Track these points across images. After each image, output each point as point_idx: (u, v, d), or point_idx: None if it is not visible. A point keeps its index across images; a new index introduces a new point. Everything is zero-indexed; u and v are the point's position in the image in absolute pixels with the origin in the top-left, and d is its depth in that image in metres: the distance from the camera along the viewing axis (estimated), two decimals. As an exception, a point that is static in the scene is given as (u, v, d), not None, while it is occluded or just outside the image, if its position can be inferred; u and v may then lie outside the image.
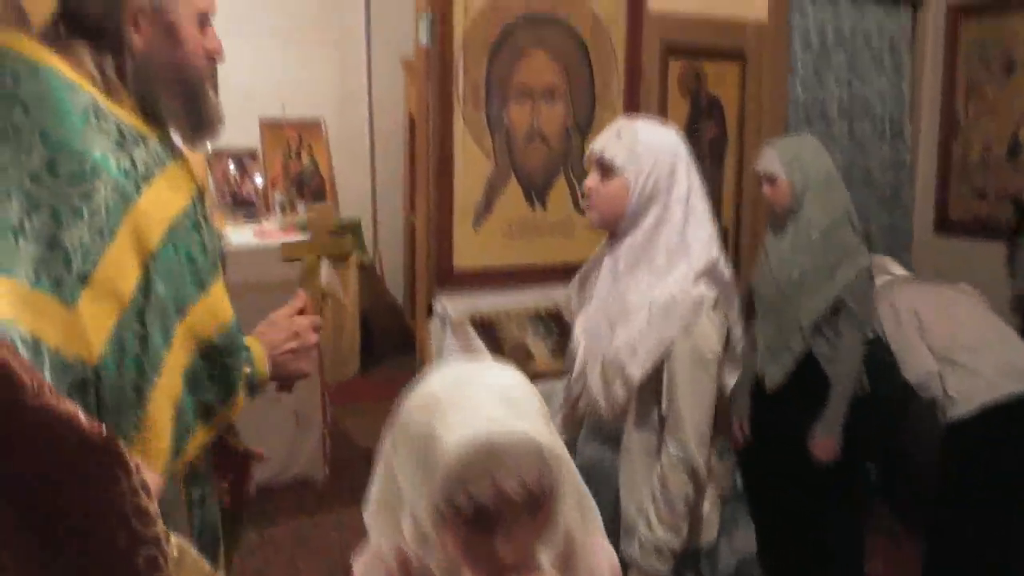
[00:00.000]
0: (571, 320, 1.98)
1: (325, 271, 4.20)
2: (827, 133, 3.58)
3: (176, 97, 1.29)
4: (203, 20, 1.31)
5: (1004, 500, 2.67)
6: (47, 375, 1.07)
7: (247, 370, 1.33)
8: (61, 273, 1.09)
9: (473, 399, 0.93)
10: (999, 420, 2.59)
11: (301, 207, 5.50)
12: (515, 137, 2.91)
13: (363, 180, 5.98)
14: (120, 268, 1.14)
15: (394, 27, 5.22)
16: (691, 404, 1.70)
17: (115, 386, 1.12)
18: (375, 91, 5.91)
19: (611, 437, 1.85)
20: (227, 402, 1.29)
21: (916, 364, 2.74)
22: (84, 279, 1.11)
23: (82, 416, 0.60)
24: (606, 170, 1.77)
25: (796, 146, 2.70)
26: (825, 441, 2.55)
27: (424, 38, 2.73)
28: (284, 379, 1.48)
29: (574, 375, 1.90)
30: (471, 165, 2.83)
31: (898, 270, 3.18)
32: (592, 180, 1.80)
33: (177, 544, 0.63)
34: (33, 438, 0.57)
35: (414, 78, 4.47)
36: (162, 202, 1.21)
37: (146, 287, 1.16)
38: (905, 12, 3.75)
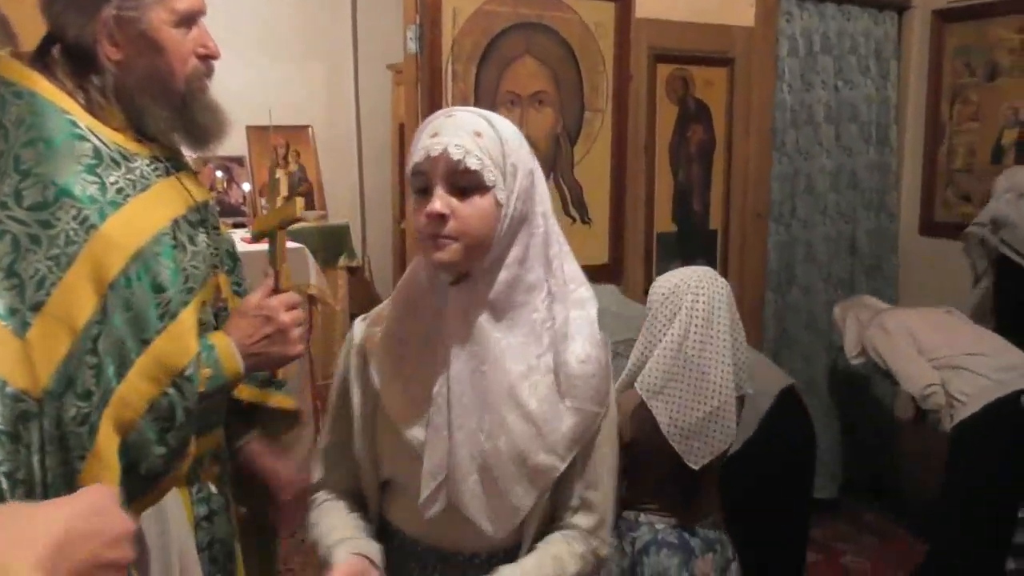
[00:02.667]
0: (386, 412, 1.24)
1: (314, 274, 4.20)
2: (813, 137, 3.60)
3: (164, 107, 1.24)
4: (187, 21, 1.25)
5: (1011, 493, 2.74)
6: None
7: (207, 372, 1.24)
8: (15, 302, 1.06)
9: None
10: (1007, 412, 2.65)
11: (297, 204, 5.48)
12: (504, 143, 2.91)
13: (351, 186, 5.97)
14: (75, 298, 1.09)
15: (381, 34, 5.22)
16: (611, 492, 1.30)
17: (59, 418, 1.08)
18: (363, 97, 5.90)
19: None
20: (212, 431, 1.25)
21: (918, 376, 2.80)
22: (36, 308, 1.07)
23: None
24: (469, 185, 1.12)
25: None
26: None
27: (413, 46, 2.73)
28: (266, 367, 1.40)
29: (425, 497, 1.18)
30: (461, 171, 2.83)
31: (882, 305, 3.29)
32: (442, 201, 1.11)
33: None
34: None
35: (402, 83, 4.48)
36: (130, 228, 1.16)
37: (102, 317, 1.11)
38: (891, 18, 3.77)
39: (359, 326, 1.28)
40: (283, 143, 5.63)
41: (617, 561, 1.92)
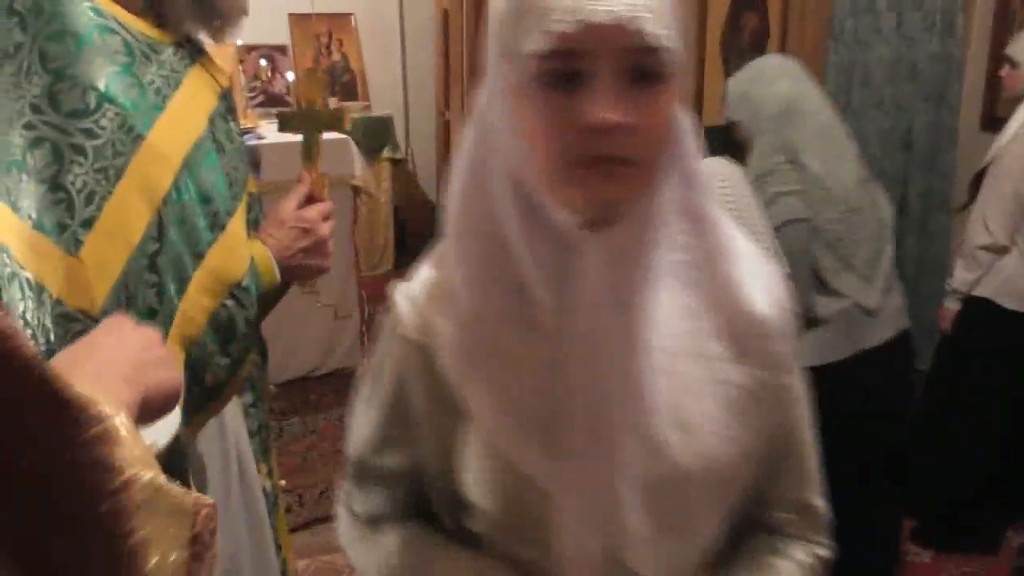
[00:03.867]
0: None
1: (358, 166, 4.19)
2: (873, 25, 3.42)
3: None
4: None
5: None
6: (49, 324, 1.01)
7: (245, 283, 1.18)
8: (63, 217, 1.00)
9: None
10: None
11: (332, 104, 5.44)
12: (551, 30, 2.82)
13: (394, 76, 5.87)
14: (127, 213, 1.03)
15: (425, -86, 5.03)
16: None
17: None
18: (406, -17, 5.74)
19: None
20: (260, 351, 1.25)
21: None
22: (88, 225, 1.01)
23: (25, 347, 0.50)
24: (653, 72, 0.72)
25: None
26: None
27: (458, -74, 2.63)
28: (297, 279, 1.35)
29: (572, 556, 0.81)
30: (506, 60, 2.76)
31: None
32: (618, 100, 0.70)
33: (149, 484, 0.57)
34: None
35: (446, -32, 4.34)
36: (175, 135, 1.10)
37: (159, 233, 1.06)
38: None
39: (407, 309, 0.86)
40: (325, 31, 5.53)
41: None
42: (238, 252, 1.16)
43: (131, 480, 0.56)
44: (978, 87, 3.72)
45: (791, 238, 2.00)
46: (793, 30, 3.27)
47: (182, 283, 1.09)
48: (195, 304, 1.10)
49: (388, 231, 5.46)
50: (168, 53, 1.13)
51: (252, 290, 1.17)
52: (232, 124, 1.24)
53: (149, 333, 0.79)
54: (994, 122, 3.67)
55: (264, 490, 1.36)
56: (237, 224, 1.17)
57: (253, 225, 1.29)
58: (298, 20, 5.20)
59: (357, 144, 4.38)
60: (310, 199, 1.31)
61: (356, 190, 4.22)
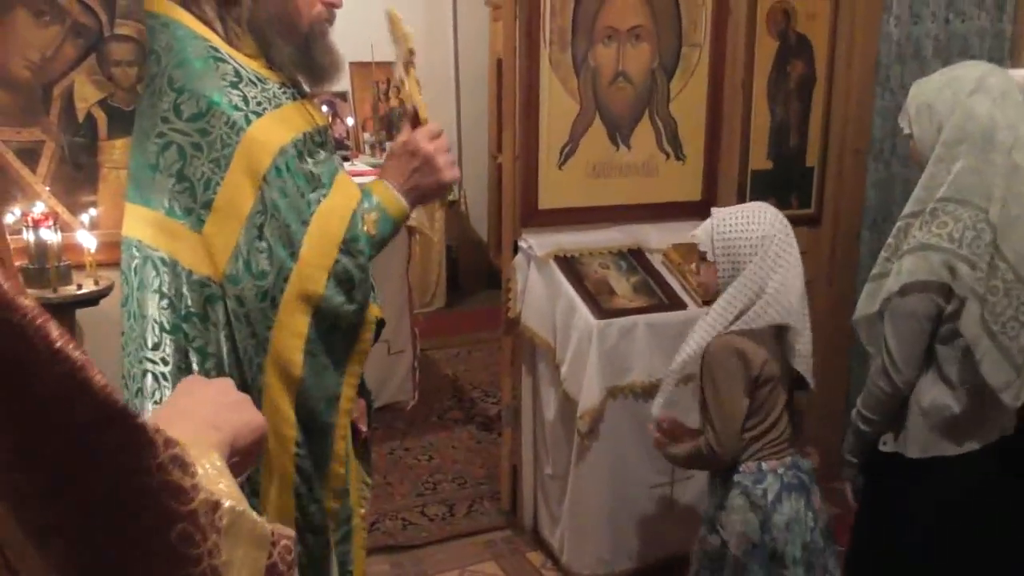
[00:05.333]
0: None
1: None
2: (920, 72, 3.40)
3: (288, 43, 1.34)
4: None
5: None
6: (185, 291, 1.22)
7: (373, 217, 1.34)
8: (188, 202, 1.22)
9: None
10: None
11: (389, 147, 5.56)
12: (600, 78, 2.87)
13: (449, 120, 5.99)
14: (237, 192, 1.23)
15: (480, -32, 5.16)
16: None
17: (241, 297, 1.22)
18: (461, 33, 5.87)
19: None
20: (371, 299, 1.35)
21: None
22: (207, 206, 1.22)
23: (97, 377, 0.53)
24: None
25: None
26: None
27: (513, -20, 2.70)
28: (426, 199, 1.44)
29: None
30: (557, 106, 2.81)
31: None
32: None
33: (230, 511, 0.59)
34: (46, 397, 0.51)
35: (499, 19, 4.42)
36: (271, 132, 1.27)
37: (263, 206, 1.23)
38: (1010, -56, 3.49)
39: None
40: (384, 78, 5.67)
41: (744, 516, 1.90)
42: (338, 213, 1.30)
43: (210, 504, 0.58)
44: None
45: (913, 305, 1.74)
46: (840, 76, 3.27)
47: (292, 246, 1.24)
48: (309, 264, 1.25)
49: (441, 270, 5.52)
50: (274, 86, 1.32)
51: (359, 239, 1.30)
52: (324, 149, 1.38)
53: (221, 381, 0.84)
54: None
55: (332, 511, 1.39)
56: (336, 195, 1.31)
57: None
58: (358, 68, 5.35)
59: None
60: (415, 128, 1.42)
61: (411, 230, 4.29)
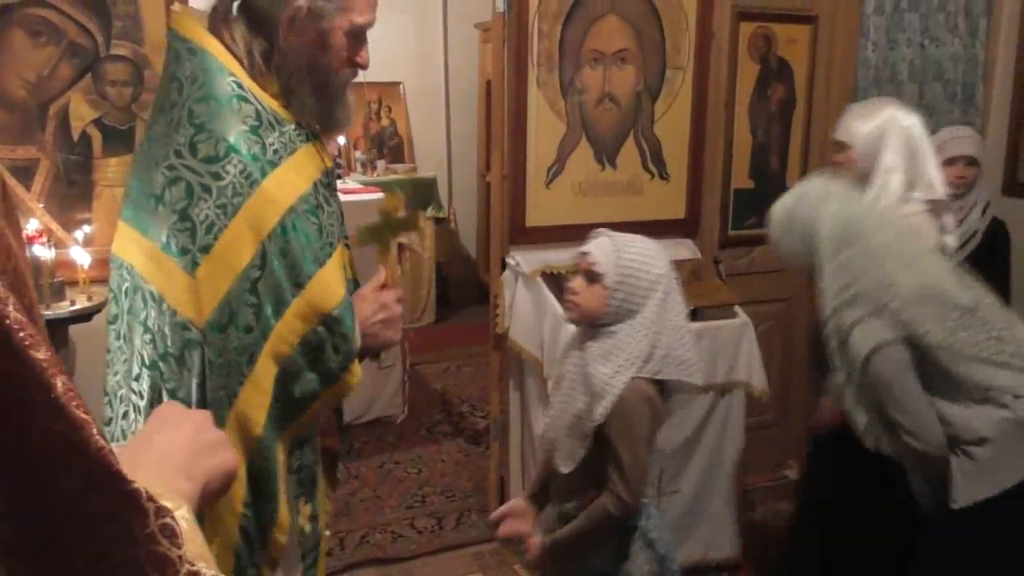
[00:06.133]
0: None
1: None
2: (896, 96, 3.46)
3: (311, 95, 1.32)
4: (358, 33, 1.33)
5: None
6: (167, 330, 1.18)
7: (336, 313, 1.32)
8: (187, 242, 1.18)
9: None
10: None
11: (380, 165, 5.59)
12: (587, 100, 2.91)
13: (439, 140, 6.03)
14: (237, 243, 1.19)
15: (470, -8, 5.21)
16: None
17: (221, 347, 1.19)
18: (451, 55, 5.92)
19: None
20: (348, 368, 1.33)
21: None
22: (205, 250, 1.18)
23: (95, 439, 0.51)
24: None
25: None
26: None
27: (500, 5, 2.74)
28: (375, 349, 1.49)
29: None
30: (544, 127, 2.85)
31: None
32: None
33: None
34: (42, 453, 0.49)
35: (489, 41, 4.47)
36: (284, 186, 1.25)
37: (262, 263, 1.21)
38: (982, -28, 3.57)
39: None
40: (376, 99, 5.71)
41: (648, 556, 1.80)
42: (333, 287, 1.29)
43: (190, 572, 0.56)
44: (999, 155, 3.72)
45: (882, 364, 1.80)
46: (819, 99, 3.32)
47: (280, 307, 1.22)
48: (290, 326, 1.23)
49: (431, 286, 5.54)
50: (290, 128, 1.30)
51: (342, 320, 1.29)
52: (332, 194, 1.39)
53: (200, 416, 0.80)
54: (1016, 188, 3.67)
55: (303, 531, 1.39)
56: (333, 264, 1.32)
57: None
58: (350, 88, 5.38)
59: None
60: (384, 286, 1.47)
61: (400, 247, 4.32)
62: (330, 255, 1.31)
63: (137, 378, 1.22)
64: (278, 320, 1.22)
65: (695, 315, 2.63)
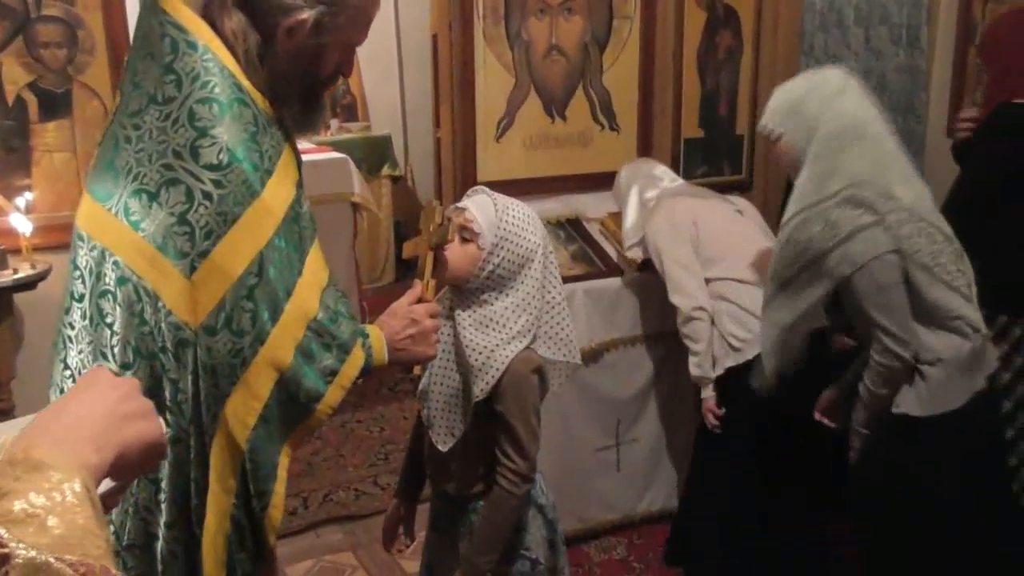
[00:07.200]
0: None
1: (357, 183, 4.23)
2: (842, 40, 3.46)
3: (296, 101, 1.32)
4: (351, 49, 1.34)
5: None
6: (163, 327, 1.20)
7: (360, 356, 1.35)
8: (185, 246, 1.18)
9: None
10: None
11: (334, 124, 5.48)
12: (534, 52, 2.86)
13: (392, 97, 5.92)
14: (235, 251, 1.20)
15: (418, -56, 5.08)
16: None
17: (212, 349, 1.19)
18: (401, 10, 5.79)
19: None
20: (347, 361, 1.32)
21: (691, 292, 2.43)
22: (203, 255, 1.18)
23: None
24: None
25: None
26: None
27: (444, -45, 2.67)
28: (406, 363, 1.50)
29: None
30: (492, 80, 2.80)
31: (670, 181, 2.69)
32: None
33: (30, 562, 0.55)
34: None
35: (439, -5, 4.38)
36: (278, 195, 1.26)
37: (259, 270, 1.22)
38: (925, -85, 3.56)
39: None
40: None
41: (539, 523, 1.76)
42: (311, 290, 1.31)
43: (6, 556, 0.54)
44: (943, 95, 3.76)
45: (881, 273, 1.82)
46: (766, 46, 3.31)
47: (275, 313, 1.23)
48: (286, 331, 1.24)
49: (389, 245, 5.48)
50: (274, 128, 1.30)
51: (325, 322, 1.31)
52: (302, 191, 1.39)
53: (127, 385, 0.76)
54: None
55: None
56: (309, 269, 1.32)
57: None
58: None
59: (357, 163, 4.41)
60: (419, 301, 1.49)
61: (356, 206, 4.25)
62: (304, 260, 1.32)
63: (126, 366, 1.21)
64: (274, 326, 1.23)
65: (646, 265, 2.63)
